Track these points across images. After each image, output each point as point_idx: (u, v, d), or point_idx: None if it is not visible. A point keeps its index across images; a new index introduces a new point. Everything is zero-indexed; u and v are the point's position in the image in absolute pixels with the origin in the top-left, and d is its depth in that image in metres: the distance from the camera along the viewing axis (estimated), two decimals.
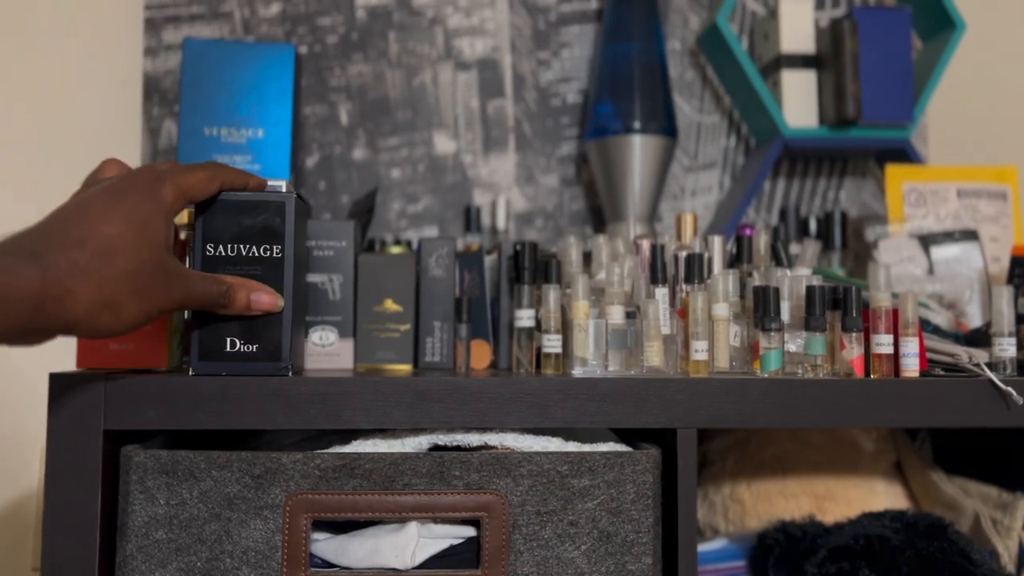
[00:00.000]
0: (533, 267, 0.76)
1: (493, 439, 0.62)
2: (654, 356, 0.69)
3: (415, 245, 1.00)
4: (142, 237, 0.52)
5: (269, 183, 0.62)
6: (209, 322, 0.60)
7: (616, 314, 0.69)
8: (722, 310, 0.69)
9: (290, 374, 0.61)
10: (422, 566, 0.60)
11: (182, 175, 0.56)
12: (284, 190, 0.62)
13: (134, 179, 0.54)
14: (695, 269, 0.73)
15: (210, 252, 0.60)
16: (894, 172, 1.02)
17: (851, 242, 1.06)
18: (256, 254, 0.61)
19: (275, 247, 0.61)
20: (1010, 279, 0.86)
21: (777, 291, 0.68)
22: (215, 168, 0.59)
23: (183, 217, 0.66)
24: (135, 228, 0.51)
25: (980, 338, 0.78)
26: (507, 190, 1.12)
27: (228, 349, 0.60)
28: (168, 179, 0.55)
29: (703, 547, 0.84)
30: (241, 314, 0.60)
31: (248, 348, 0.60)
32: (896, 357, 0.68)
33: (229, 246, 0.60)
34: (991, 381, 0.66)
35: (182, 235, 0.65)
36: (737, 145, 1.16)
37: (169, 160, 0.61)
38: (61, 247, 0.48)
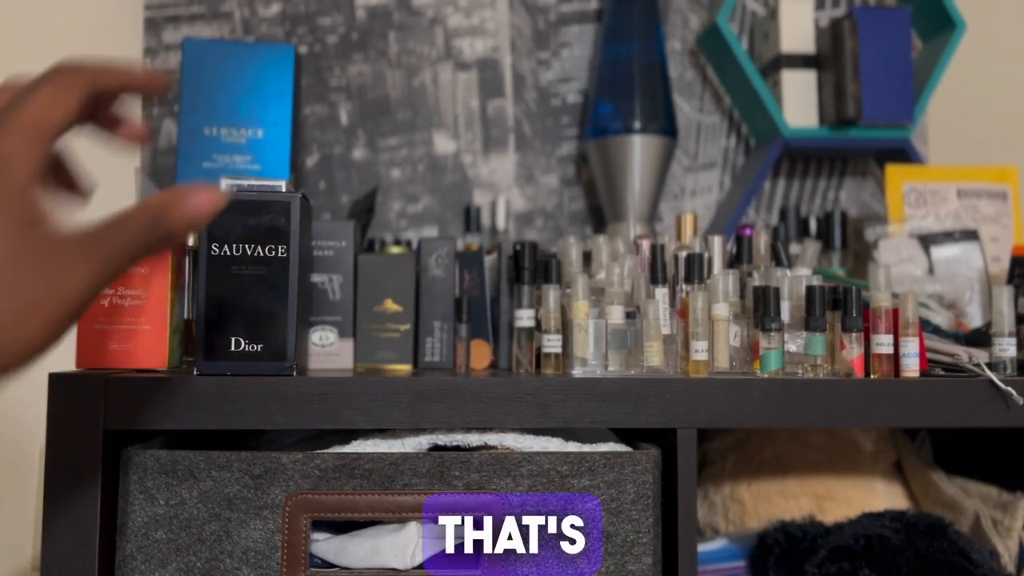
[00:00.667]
0: (533, 267, 0.76)
1: (493, 439, 0.62)
2: (654, 356, 0.69)
3: (415, 245, 1.00)
4: None
5: (269, 183, 0.62)
6: (214, 322, 0.60)
7: (616, 314, 0.69)
8: (722, 310, 0.69)
9: (294, 374, 0.61)
10: (422, 566, 0.60)
11: (16, 111, 0.39)
12: (284, 190, 0.62)
13: None
14: (695, 269, 0.73)
15: (215, 252, 0.60)
16: (894, 172, 1.02)
17: (851, 242, 1.06)
18: (261, 254, 0.61)
19: (280, 247, 0.61)
20: (1010, 279, 0.86)
21: (777, 291, 0.68)
22: (60, 76, 0.41)
23: None
24: None
25: (980, 338, 0.78)
26: (507, 190, 1.12)
27: (233, 349, 0.60)
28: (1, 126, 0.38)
29: (703, 547, 0.84)
30: (193, 230, 0.45)
31: (253, 348, 0.60)
32: (896, 357, 0.68)
33: (234, 246, 0.60)
34: (991, 381, 0.66)
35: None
36: (737, 145, 1.16)
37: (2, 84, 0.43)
38: None
